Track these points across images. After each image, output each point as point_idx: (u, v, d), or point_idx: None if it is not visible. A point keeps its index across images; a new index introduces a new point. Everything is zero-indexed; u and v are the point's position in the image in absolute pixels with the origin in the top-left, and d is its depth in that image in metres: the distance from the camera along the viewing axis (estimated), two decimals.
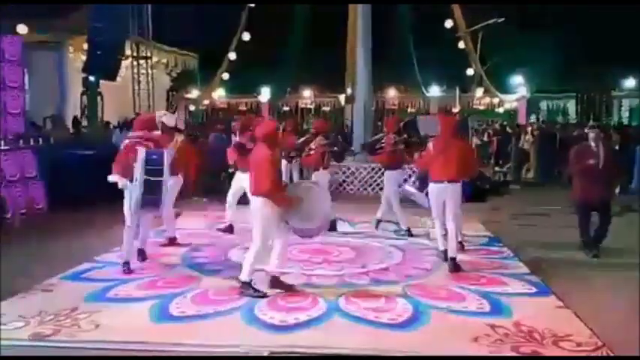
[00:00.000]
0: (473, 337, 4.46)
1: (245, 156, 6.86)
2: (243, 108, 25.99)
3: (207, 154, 10.41)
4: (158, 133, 6.52)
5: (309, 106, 26.85)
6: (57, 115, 15.89)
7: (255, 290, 5.43)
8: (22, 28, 14.33)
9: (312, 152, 8.40)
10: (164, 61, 21.32)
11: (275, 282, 5.62)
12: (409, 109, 24.73)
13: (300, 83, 25.61)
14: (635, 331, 4.48)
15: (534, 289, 5.71)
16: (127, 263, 6.21)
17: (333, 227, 8.09)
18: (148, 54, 18.58)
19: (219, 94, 24.83)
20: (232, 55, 22.53)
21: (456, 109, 21.53)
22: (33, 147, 10.18)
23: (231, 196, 8.06)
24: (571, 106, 26.31)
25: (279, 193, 5.37)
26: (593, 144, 7.19)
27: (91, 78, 14.20)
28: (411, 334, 4.60)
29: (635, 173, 12.16)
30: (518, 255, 7.04)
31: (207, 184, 10.90)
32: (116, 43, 14.31)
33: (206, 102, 24.73)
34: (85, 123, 14.57)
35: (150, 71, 18.47)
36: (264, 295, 5.38)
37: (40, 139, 10.93)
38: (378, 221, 8.50)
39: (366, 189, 12.62)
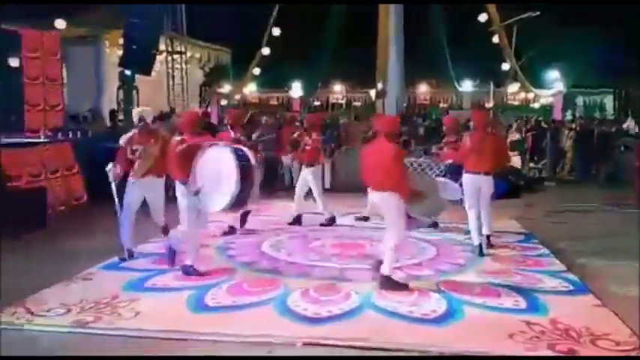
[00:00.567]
0: (508, 333, 4.42)
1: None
2: (274, 102, 26.18)
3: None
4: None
5: (340, 101, 26.87)
6: (95, 110, 16.26)
7: (397, 283, 5.44)
8: (60, 23, 14.66)
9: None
10: (197, 56, 21.55)
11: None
12: (441, 104, 24.53)
13: (331, 78, 25.64)
14: None
15: (571, 287, 5.62)
16: (191, 267, 5.93)
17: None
18: (182, 49, 18.80)
19: (250, 89, 25.01)
20: (266, 50, 22.66)
21: (489, 104, 21.25)
22: (72, 140, 10.46)
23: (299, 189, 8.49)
24: (608, 101, 25.73)
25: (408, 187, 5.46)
26: None
27: (127, 72, 14.43)
28: (445, 329, 4.58)
29: None
30: (554, 252, 6.93)
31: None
32: (151, 38, 14.51)
33: (237, 97, 24.93)
34: (121, 117, 14.82)
35: (184, 66, 18.69)
36: (406, 287, 5.42)
37: (79, 133, 11.22)
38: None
39: None
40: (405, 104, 16.64)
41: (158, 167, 6.33)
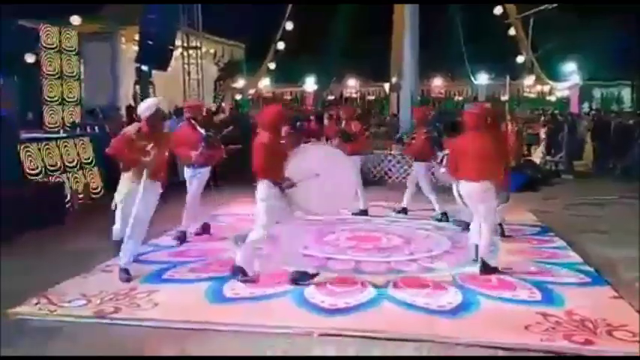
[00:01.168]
0: (524, 325, 4.43)
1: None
2: (288, 97, 26.23)
3: None
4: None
5: (353, 95, 26.85)
6: (104, 106, 16.42)
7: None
8: (75, 19, 14.82)
9: (413, 142, 8.52)
10: (212, 51, 21.63)
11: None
12: (456, 98, 24.41)
13: (345, 72, 25.62)
14: None
15: (587, 279, 5.61)
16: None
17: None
18: (198, 44, 18.88)
19: (264, 83, 25.07)
20: (280, 45, 22.68)
21: (505, 97, 21.09)
22: (90, 134, 10.59)
23: None
24: (626, 94, 25.41)
25: None
26: None
27: (144, 68, 14.54)
28: (462, 321, 4.60)
29: None
30: (571, 245, 6.90)
31: None
32: (168, 34, 14.61)
33: (252, 91, 25.00)
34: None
35: (200, 61, 18.77)
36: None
37: (97, 128, 11.36)
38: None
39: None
40: (419, 97, 16.53)
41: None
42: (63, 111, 10.73)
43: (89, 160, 9.97)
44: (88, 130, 11.10)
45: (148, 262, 6.23)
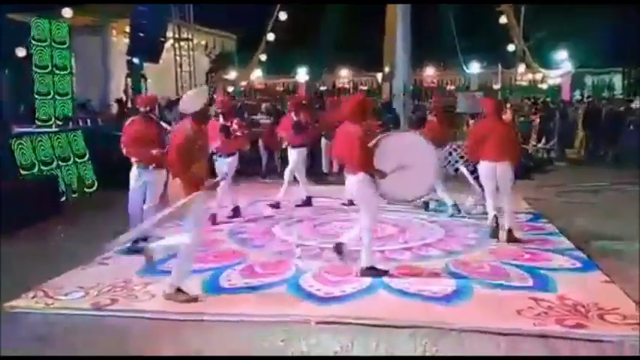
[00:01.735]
0: (516, 310, 4.50)
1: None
2: (280, 88, 26.18)
3: None
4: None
5: (346, 85, 26.81)
6: (101, 98, 16.39)
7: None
8: (66, 12, 14.73)
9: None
10: (203, 43, 21.57)
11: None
12: (449, 87, 24.44)
13: (337, 63, 25.56)
14: None
15: (579, 264, 5.68)
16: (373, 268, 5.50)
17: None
18: (189, 36, 18.81)
19: (257, 74, 25.01)
20: (271, 36, 22.61)
21: (497, 86, 21.16)
22: (82, 128, 10.57)
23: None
24: (617, 81, 25.50)
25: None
26: None
27: (135, 60, 14.49)
28: (455, 307, 4.66)
29: None
30: (563, 231, 6.98)
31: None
32: (159, 26, 14.54)
33: (244, 83, 24.94)
34: (130, 105, 14.91)
35: (191, 53, 18.71)
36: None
37: (89, 121, 11.34)
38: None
39: None
40: (411, 87, 16.54)
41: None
42: (55, 105, 10.69)
43: (82, 154, 9.95)
44: (81, 123, 11.08)
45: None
